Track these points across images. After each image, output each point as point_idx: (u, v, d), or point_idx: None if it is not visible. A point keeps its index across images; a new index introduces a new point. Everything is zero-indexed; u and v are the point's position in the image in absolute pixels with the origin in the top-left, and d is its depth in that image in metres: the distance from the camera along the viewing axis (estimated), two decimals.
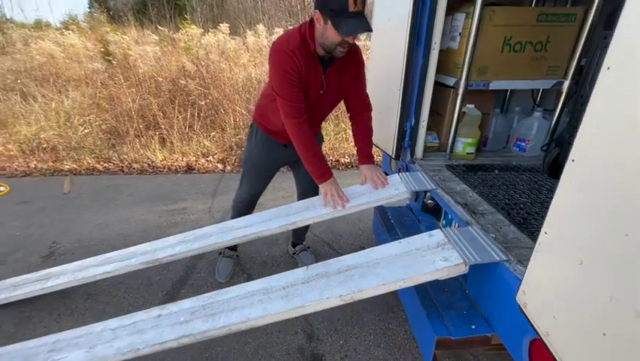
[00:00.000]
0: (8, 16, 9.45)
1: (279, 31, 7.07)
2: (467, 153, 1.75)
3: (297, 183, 1.91)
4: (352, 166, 3.82)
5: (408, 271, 0.99)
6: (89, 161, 3.69)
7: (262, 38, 5.43)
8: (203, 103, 4.12)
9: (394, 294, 1.85)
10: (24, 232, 2.46)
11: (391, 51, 1.72)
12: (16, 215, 2.69)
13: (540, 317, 0.67)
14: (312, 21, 1.31)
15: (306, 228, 2.11)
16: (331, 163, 3.82)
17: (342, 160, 3.87)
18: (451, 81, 1.67)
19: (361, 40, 5.64)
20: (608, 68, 0.52)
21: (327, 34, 1.25)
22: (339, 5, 1.17)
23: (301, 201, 1.66)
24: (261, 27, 5.97)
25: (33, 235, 2.43)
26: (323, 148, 1.84)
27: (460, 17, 1.58)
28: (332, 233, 2.46)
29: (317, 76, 1.38)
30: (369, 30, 1.23)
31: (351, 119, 1.64)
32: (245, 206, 1.82)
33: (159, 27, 6.48)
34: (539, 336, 0.68)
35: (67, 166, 3.60)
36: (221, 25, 5.38)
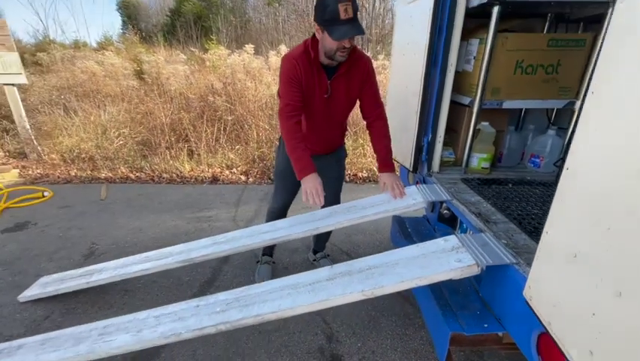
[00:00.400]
0: (52, 38, 10.31)
1: None
2: (482, 168, 1.84)
3: None
4: (370, 181, 3.93)
5: (424, 271, 1.08)
6: (123, 170, 3.96)
7: None
8: (229, 118, 4.38)
9: (410, 302, 1.92)
10: (66, 233, 2.69)
11: (410, 72, 1.86)
12: (58, 218, 2.93)
13: (543, 307, 0.76)
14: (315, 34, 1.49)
15: (327, 236, 2.22)
16: (349, 177, 3.95)
17: (359, 174, 3.99)
18: (466, 100, 1.78)
19: (379, 60, 5.86)
20: (592, 92, 0.63)
21: (325, 42, 1.42)
22: (331, 15, 1.33)
23: (324, 209, 1.78)
24: (283, 47, 6.29)
25: (74, 236, 2.64)
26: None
27: (475, 42, 1.71)
28: (350, 243, 2.56)
29: (321, 81, 1.54)
30: (361, 33, 1.37)
31: (368, 127, 1.74)
32: (277, 215, 1.96)
33: (189, 47, 6.93)
34: (542, 325, 0.76)
35: (104, 175, 3.88)
36: (246, 45, 5.73)
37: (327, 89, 1.57)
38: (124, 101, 4.97)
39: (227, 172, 3.99)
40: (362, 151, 4.31)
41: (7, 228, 2.74)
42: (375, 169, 4.08)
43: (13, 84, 4.00)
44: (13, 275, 2.15)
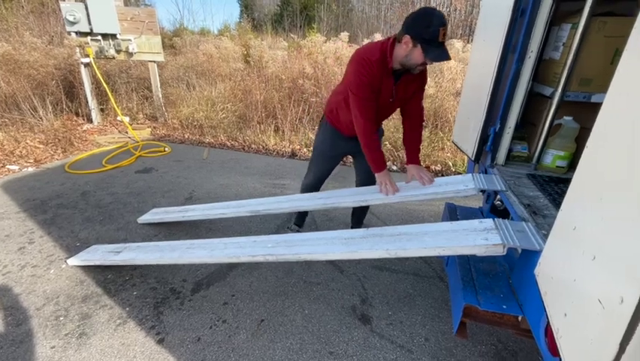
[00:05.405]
0: (185, 25, 12.29)
1: None
2: (557, 167, 1.70)
3: (356, 172, 2.15)
4: (442, 175, 3.80)
5: (449, 242, 1.14)
6: (222, 138, 4.68)
7: None
8: (313, 100, 4.71)
9: None
10: (176, 180, 3.39)
11: (486, 57, 1.80)
12: (172, 168, 3.69)
13: (543, 280, 0.78)
14: (394, 40, 1.53)
15: (363, 215, 2.34)
16: None
17: (432, 167, 3.89)
18: (548, 91, 1.65)
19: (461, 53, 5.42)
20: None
21: (413, 55, 1.47)
22: (430, 36, 1.40)
23: (374, 186, 1.90)
24: (377, 36, 6.32)
25: (181, 183, 3.32)
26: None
27: (566, 28, 1.57)
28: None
29: (388, 86, 1.62)
30: (450, 59, 1.46)
31: (405, 123, 1.84)
32: (310, 190, 2.14)
33: (290, 35, 7.51)
34: (540, 297, 0.78)
35: (208, 140, 4.65)
36: (341, 34, 5.95)
37: (392, 94, 1.65)
38: (230, 80, 5.76)
39: (304, 150, 4.34)
40: (440, 145, 4.17)
41: (138, 170, 3.60)
42: (452, 164, 3.92)
43: (155, 61, 5.04)
44: (138, 203, 2.86)
